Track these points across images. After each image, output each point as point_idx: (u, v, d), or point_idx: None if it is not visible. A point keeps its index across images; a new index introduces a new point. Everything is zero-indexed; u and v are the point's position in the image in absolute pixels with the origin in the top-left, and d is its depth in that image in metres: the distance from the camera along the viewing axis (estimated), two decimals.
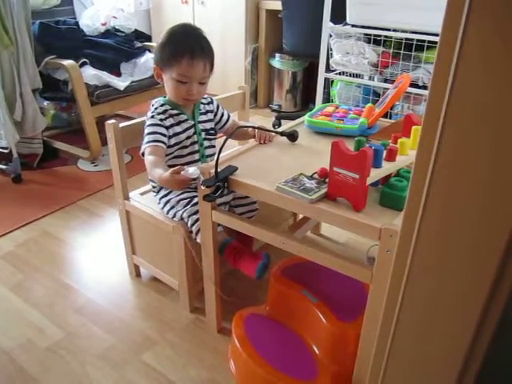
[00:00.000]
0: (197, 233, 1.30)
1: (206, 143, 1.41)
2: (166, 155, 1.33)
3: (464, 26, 0.46)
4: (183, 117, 1.34)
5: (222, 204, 1.34)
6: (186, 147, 1.36)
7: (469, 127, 0.50)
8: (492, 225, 0.52)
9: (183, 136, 1.34)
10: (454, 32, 0.47)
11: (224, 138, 1.13)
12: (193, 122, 1.36)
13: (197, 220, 1.28)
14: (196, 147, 1.38)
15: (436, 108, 0.51)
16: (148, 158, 1.25)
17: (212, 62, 1.32)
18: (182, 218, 1.33)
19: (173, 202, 1.37)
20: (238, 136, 1.43)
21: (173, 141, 1.33)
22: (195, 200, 1.30)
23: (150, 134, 1.29)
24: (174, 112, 1.33)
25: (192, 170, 1.08)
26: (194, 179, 1.09)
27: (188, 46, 1.25)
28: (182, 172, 1.09)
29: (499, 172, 0.49)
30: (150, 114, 1.33)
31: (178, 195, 1.37)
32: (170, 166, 1.33)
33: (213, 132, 1.44)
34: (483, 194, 0.51)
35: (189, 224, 1.31)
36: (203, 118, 1.40)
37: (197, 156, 1.39)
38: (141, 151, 1.31)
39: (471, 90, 0.48)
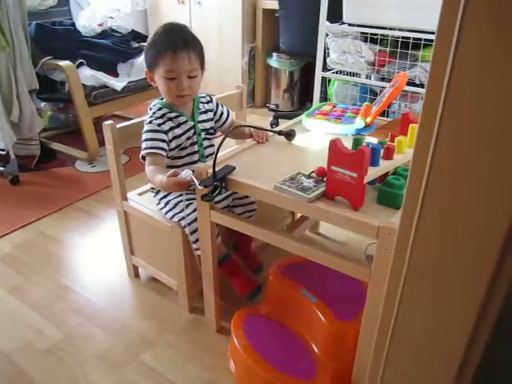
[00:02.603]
0: (195, 242, 1.31)
1: (206, 143, 1.40)
2: (167, 157, 1.32)
3: (460, 24, 0.46)
4: (182, 118, 1.33)
5: (222, 208, 1.34)
6: (185, 148, 1.35)
7: (465, 125, 0.50)
8: (489, 221, 0.52)
9: (183, 138, 1.33)
10: (450, 30, 0.47)
11: (222, 137, 1.13)
12: (192, 123, 1.35)
13: (196, 230, 1.29)
14: (195, 148, 1.37)
15: (433, 106, 0.52)
16: (148, 168, 1.26)
17: (200, 55, 1.30)
18: (180, 223, 1.33)
19: (171, 204, 1.36)
20: (235, 135, 1.43)
21: (173, 144, 1.31)
22: (194, 205, 1.28)
23: (147, 140, 1.28)
24: (173, 115, 1.32)
25: (184, 174, 1.09)
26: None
27: (169, 41, 1.24)
28: (178, 176, 1.10)
29: (496, 169, 0.49)
30: (147, 119, 1.32)
31: (176, 197, 1.36)
32: (169, 167, 1.34)
33: (212, 131, 1.43)
34: (480, 191, 0.51)
35: (187, 231, 1.32)
36: (203, 117, 1.39)
37: (196, 157, 1.38)
38: (140, 156, 1.30)
39: (467, 87, 0.48)
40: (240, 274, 1.37)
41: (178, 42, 1.24)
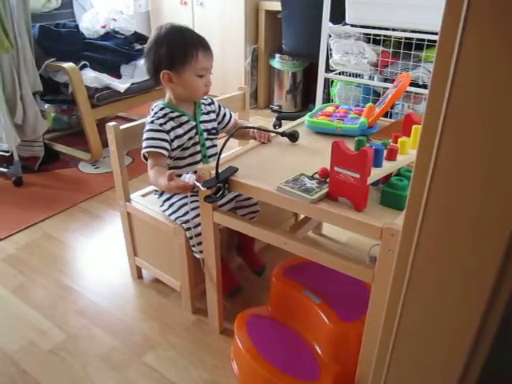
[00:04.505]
0: (196, 245, 1.31)
1: (208, 143, 1.40)
2: (169, 158, 1.33)
3: (463, 24, 0.46)
4: (184, 118, 1.34)
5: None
6: (187, 148, 1.35)
7: (469, 126, 0.50)
8: (493, 223, 0.52)
9: (185, 138, 1.33)
10: (454, 30, 0.47)
11: (224, 138, 1.13)
12: (194, 123, 1.36)
13: (198, 234, 1.29)
14: (198, 148, 1.37)
15: (436, 107, 0.51)
16: (151, 171, 1.27)
17: None
18: (182, 225, 1.33)
19: (175, 207, 1.36)
20: (238, 135, 1.43)
21: (175, 144, 1.32)
22: (198, 209, 1.26)
23: (148, 139, 1.29)
24: (175, 114, 1.33)
25: (188, 178, 1.10)
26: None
27: (194, 40, 1.27)
28: (180, 179, 1.11)
29: (500, 170, 0.49)
30: (149, 119, 1.32)
31: (180, 199, 1.36)
32: (172, 168, 1.34)
33: (214, 132, 1.43)
34: (484, 192, 0.51)
35: (189, 235, 1.32)
36: (205, 118, 1.40)
37: (198, 157, 1.38)
38: (141, 154, 1.31)
39: (471, 88, 0.48)
40: (225, 274, 1.38)
41: (201, 39, 1.28)
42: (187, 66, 1.26)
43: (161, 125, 1.29)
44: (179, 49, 1.26)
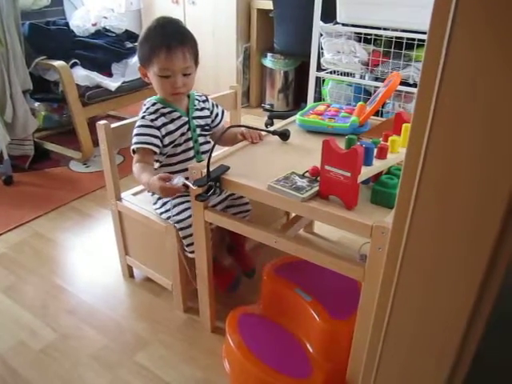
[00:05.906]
0: (188, 245, 1.31)
1: (201, 139, 1.39)
2: (162, 154, 1.33)
3: (451, 23, 0.46)
4: (176, 114, 1.33)
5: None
6: (179, 145, 1.34)
7: (457, 124, 0.50)
8: (483, 220, 0.52)
9: (177, 134, 1.32)
10: (442, 29, 0.47)
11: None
12: (187, 119, 1.35)
13: (190, 235, 1.29)
14: (190, 144, 1.36)
15: (425, 105, 0.52)
16: (135, 166, 1.26)
17: (194, 52, 1.29)
18: (174, 226, 1.33)
19: (168, 206, 1.36)
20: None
21: (167, 140, 1.31)
22: (191, 209, 1.26)
23: (138, 134, 1.28)
24: (166, 110, 1.32)
25: (176, 180, 1.09)
26: (186, 187, 1.09)
27: (164, 38, 1.23)
28: (167, 183, 1.11)
29: (489, 169, 0.50)
30: (141, 115, 1.32)
31: (173, 198, 1.36)
32: (165, 166, 1.34)
33: (208, 128, 1.42)
34: (473, 190, 0.52)
35: (181, 235, 1.32)
36: (199, 113, 1.38)
37: (191, 153, 1.37)
38: (131, 149, 1.30)
39: (459, 87, 0.49)
40: (219, 270, 1.38)
41: (172, 39, 1.23)
42: (150, 64, 1.26)
43: (152, 120, 1.29)
44: (146, 45, 1.26)
